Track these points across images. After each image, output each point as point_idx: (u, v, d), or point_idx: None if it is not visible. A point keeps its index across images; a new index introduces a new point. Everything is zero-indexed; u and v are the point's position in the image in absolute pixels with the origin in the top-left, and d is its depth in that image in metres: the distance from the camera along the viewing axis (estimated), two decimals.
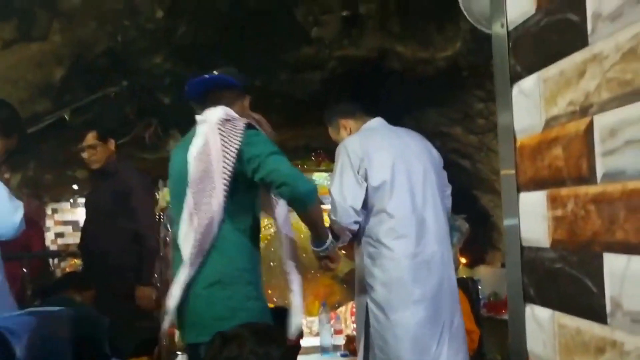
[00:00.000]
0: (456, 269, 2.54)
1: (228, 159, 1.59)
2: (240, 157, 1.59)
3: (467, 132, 3.29)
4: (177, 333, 3.10)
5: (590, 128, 0.56)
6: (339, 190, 1.95)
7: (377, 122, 2.17)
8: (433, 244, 2.04)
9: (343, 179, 1.96)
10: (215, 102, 1.73)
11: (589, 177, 0.57)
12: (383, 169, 1.96)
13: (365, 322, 2.00)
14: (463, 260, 3.48)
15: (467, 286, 2.91)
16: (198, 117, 1.73)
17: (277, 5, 2.83)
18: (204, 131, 1.65)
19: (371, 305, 1.94)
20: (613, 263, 0.53)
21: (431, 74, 2.97)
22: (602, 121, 0.55)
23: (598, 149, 0.55)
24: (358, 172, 1.96)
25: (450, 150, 3.46)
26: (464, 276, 3.17)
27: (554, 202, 0.63)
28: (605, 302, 0.54)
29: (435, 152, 2.18)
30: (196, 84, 1.79)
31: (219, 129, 1.63)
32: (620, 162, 0.52)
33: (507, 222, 0.73)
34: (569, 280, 0.60)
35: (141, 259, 2.60)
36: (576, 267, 0.59)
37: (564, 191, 0.61)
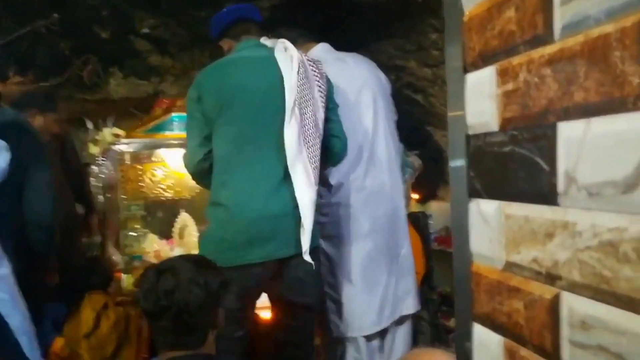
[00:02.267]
0: (407, 204, 2.51)
1: (322, 95, 1.69)
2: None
3: (422, 65, 3.20)
4: (123, 277, 3.02)
5: None
6: None
7: (321, 48, 2.06)
8: (383, 174, 1.99)
9: None
10: (244, 33, 1.81)
11: (546, 35, 0.47)
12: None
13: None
14: (415, 196, 3.47)
15: (418, 221, 2.91)
16: (269, 41, 1.79)
17: None
18: (296, 60, 1.67)
19: (321, 241, 1.89)
20: (569, 131, 0.45)
21: (384, 3, 2.83)
22: None
23: None
24: None
25: (405, 85, 3.38)
26: (415, 211, 3.17)
27: (504, 75, 0.54)
28: (557, 181, 0.46)
29: (384, 78, 2.10)
30: (235, 10, 1.86)
31: (312, 66, 1.70)
32: (582, 7, 0.43)
33: (450, 109, 0.64)
34: (518, 163, 0.52)
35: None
36: (527, 146, 0.51)
37: (516, 60, 0.52)
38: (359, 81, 2.00)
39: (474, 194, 0.60)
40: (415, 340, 2.33)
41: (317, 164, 1.66)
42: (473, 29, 0.60)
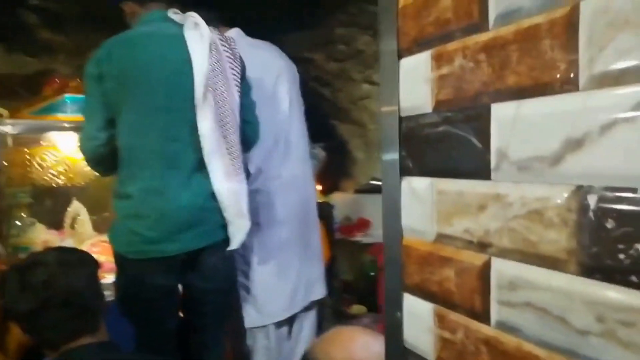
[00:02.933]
0: None
1: (237, 78, 1.65)
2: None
3: (328, 59, 3.26)
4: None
5: None
6: None
7: (235, 33, 2.04)
8: (297, 164, 2.02)
9: None
10: (152, 0, 1.69)
11: (480, 24, 0.52)
12: None
13: None
14: (319, 187, 3.55)
15: (322, 211, 2.97)
16: (178, 16, 1.66)
17: None
18: (207, 38, 1.59)
19: None
20: (501, 112, 0.50)
21: None
22: None
23: None
24: None
25: (312, 78, 3.42)
26: (320, 201, 3.25)
27: (439, 60, 0.58)
28: (490, 157, 0.51)
29: (295, 70, 2.13)
30: None
31: (224, 44, 1.64)
32: None
33: (384, 91, 0.67)
34: (452, 143, 0.56)
35: None
36: (460, 126, 0.55)
37: (451, 46, 0.56)
38: (275, 71, 2.00)
39: (406, 172, 0.64)
40: (320, 326, 2.39)
41: (238, 152, 1.63)
42: (408, 15, 0.63)
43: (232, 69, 1.64)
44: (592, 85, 0.41)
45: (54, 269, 1.24)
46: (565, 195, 0.43)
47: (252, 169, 1.88)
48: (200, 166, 1.59)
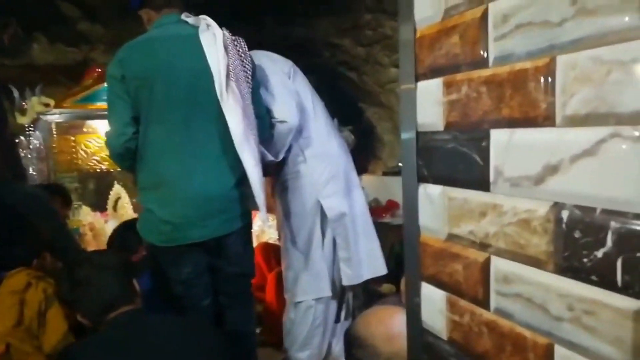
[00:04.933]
0: None
1: (248, 75, 1.73)
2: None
3: (356, 44, 3.33)
4: None
5: (485, 15, 0.61)
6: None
7: None
8: (330, 145, 2.15)
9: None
10: (166, 6, 1.79)
11: (482, 61, 0.62)
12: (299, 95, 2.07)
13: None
14: None
15: None
16: (191, 19, 1.76)
17: None
18: (220, 39, 1.69)
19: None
20: (498, 137, 0.60)
21: None
22: (496, 8, 0.60)
23: (491, 34, 0.60)
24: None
25: (339, 63, 3.50)
26: None
27: (449, 87, 0.68)
28: (490, 173, 0.62)
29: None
30: None
31: (235, 44, 1.72)
32: (509, 45, 0.58)
33: (404, 108, 0.78)
34: (459, 158, 0.67)
35: None
36: (466, 145, 0.65)
37: (459, 76, 0.66)
38: (288, 64, 2.11)
39: (422, 179, 0.75)
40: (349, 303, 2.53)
41: (258, 143, 1.76)
42: (424, 45, 0.74)
43: (244, 67, 1.73)
44: (565, 123, 0.51)
45: (92, 270, 1.55)
46: (546, 209, 0.54)
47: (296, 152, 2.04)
48: (224, 156, 1.71)
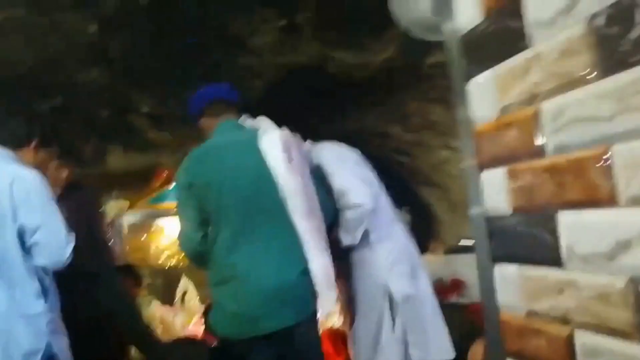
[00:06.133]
0: None
1: (307, 167, 1.84)
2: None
3: (405, 131, 3.48)
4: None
5: (538, 113, 0.70)
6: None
7: None
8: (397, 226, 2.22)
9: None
10: (224, 112, 1.93)
11: (540, 152, 0.70)
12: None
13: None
14: None
15: None
16: (250, 122, 1.92)
17: (211, 17, 2.88)
18: (278, 137, 1.81)
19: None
20: (566, 218, 0.66)
21: (368, 76, 3.13)
22: (547, 106, 0.68)
23: (547, 128, 0.68)
24: None
25: (391, 149, 3.64)
26: None
27: (512, 176, 0.76)
28: (561, 251, 0.67)
29: None
30: (214, 90, 1.98)
31: (294, 141, 1.84)
32: (565, 138, 0.66)
33: (472, 196, 0.85)
34: (530, 239, 0.73)
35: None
36: (535, 227, 0.72)
37: (520, 166, 0.74)
38: (357, 152, 2.24)
39: (496, 259, 0.81)
40: None
41: (325, 231, 1.85)
42: (484, 139, 0.82)
43: (304, 162, 1.86)
44: (629, 203, 0.58)
45: None
46: (623, 283, 0.59)
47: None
48: (291, 246, 1.80)
